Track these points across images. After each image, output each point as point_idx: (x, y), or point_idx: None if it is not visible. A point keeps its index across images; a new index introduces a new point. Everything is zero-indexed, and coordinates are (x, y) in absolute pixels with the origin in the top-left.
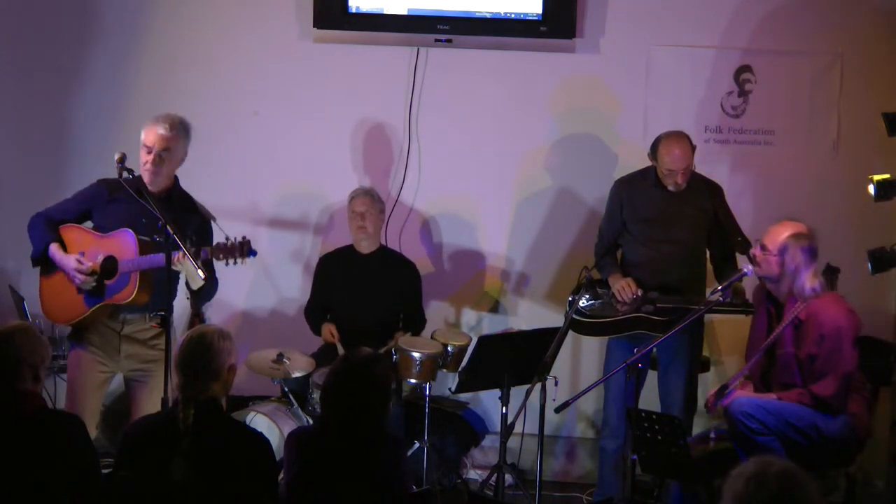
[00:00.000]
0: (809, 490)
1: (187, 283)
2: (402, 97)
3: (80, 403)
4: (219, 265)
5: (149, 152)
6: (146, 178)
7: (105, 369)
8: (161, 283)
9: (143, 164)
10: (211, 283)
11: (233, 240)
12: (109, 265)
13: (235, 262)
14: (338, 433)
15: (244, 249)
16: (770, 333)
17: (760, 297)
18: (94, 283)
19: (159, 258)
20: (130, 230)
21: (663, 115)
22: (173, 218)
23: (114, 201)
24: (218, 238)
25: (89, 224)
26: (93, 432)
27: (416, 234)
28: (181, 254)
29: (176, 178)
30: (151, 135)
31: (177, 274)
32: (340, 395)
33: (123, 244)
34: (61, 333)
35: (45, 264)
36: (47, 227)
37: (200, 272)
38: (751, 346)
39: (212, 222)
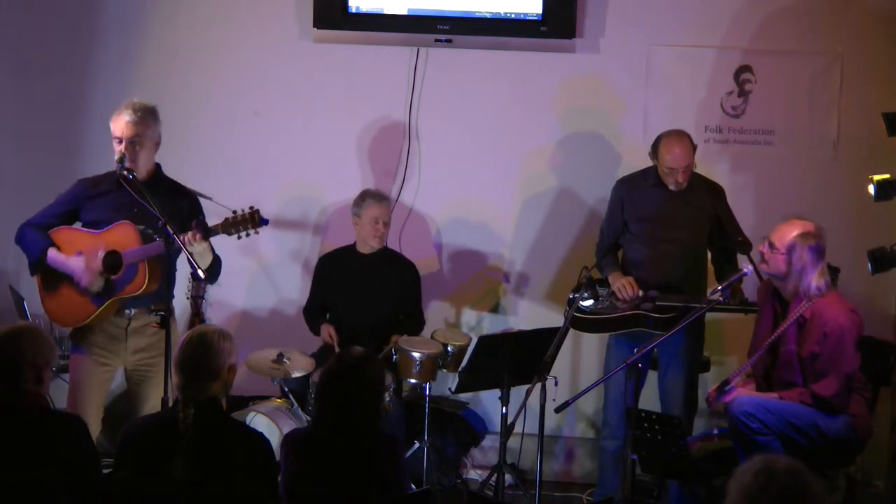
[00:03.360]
0: (816, 486)
1: (192, 272)
2: (402, 97)
3: (83, 405)
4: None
5: (120, 142)
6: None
7: (108, 367)
8: (169, 269)
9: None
10: (216, 261)
11: (241, 212)
12: (112, 260)
13: (248, 234)
14: (333, 433)
15: (255, 219)
16: (774, 331)
17: (766, 295)
18: (102, 284)
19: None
20: (129, 221)
21: (663, 115)
22: (163, 203)
23: (100, 195)
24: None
25: (78, 225)
26: (96, 431)
27: (417, 234)
28: (192, 234)
29: (158, 165)
30: (120, 125)
31: (174, 266)
32: (334, 395)
33: (124, 236)
34: (62, 333)
35: (44, 272)
36: (39, 233)
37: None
38: (754, 343)
39: (210, 201)
